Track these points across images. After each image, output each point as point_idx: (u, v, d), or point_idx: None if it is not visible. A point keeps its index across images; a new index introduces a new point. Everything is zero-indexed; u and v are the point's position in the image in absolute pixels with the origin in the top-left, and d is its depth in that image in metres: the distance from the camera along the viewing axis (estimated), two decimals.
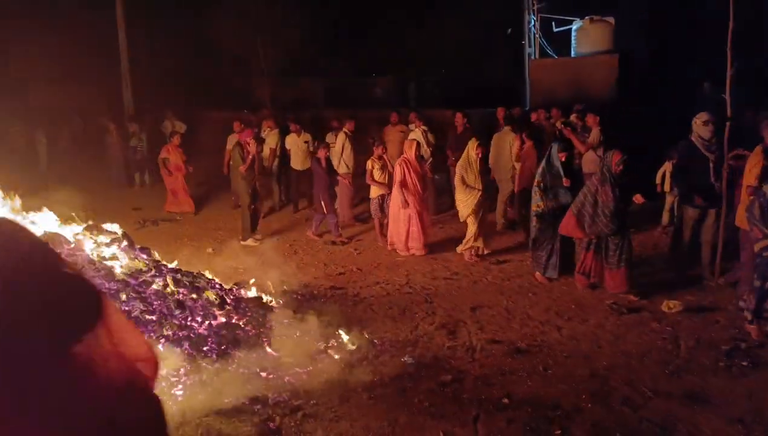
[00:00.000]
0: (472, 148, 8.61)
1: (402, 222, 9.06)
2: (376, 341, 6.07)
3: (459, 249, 8.88)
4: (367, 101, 20.38)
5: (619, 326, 6.31)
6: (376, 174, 9.75)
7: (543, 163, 7.82)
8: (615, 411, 4.67)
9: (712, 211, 7.24)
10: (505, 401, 4.87)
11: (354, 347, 5.84)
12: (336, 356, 5.70)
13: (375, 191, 9.85)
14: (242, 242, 9.90)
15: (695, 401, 4.76)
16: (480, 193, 8.54)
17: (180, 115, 16.28)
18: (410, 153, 9.17)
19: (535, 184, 7.78)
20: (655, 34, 19.17)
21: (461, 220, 8.85)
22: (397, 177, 8.99)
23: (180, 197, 12.31)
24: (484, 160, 8.87)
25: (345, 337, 5.99)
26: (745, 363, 5.36)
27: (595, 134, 8.88)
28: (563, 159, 7.77)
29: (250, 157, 10.05)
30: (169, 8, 18.35)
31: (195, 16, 17.86)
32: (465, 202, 8.59)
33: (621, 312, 6.63)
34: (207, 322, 5.64)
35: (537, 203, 7.73)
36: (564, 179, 7.70)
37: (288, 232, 10.75)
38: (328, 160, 10.26)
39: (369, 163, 9.79)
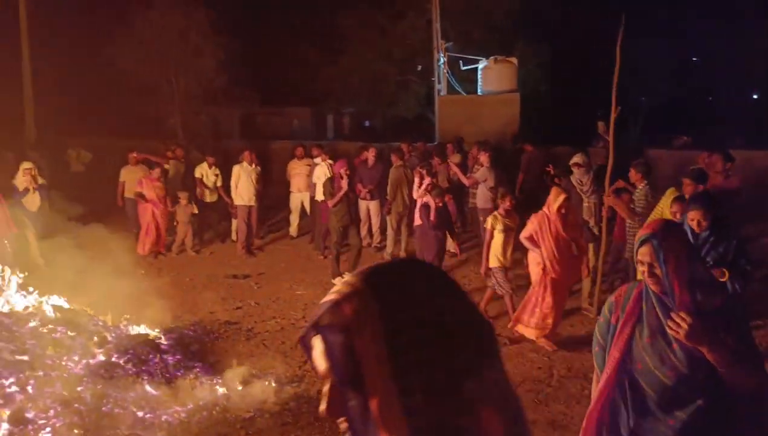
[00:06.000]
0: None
1: (538, 295, 6.65)
2: (262, 376, 6.10)
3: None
4: (283, 133, 20.53)
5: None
6: (498, 237, 7.01)
7: None
8: None
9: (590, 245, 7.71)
10: None
11: (238, 384, 5.84)
12: (220, 392, 5.70)
13: (495, 259, 7.11)
14: (333, 281, 8.93)
15: (557, 428, 5.05)
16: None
17: (86, 144, 15.83)
18: (553, 207, 6.44)
19: None
20: (559, 75, 20.33)
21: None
22: (526, 233, 6.65)
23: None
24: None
25: (230, 374, 5.98)
26: None
27: (483, 172, 9.27)
28: (700, 230, 4.35)
29: (342, 191, 8.94)
30: (75, 36, 17.96)
31: (104, 45, 17.55)
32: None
33: (503, 344, 6.92)
34: (84, 361, 5.53)
35: None
36: (717, 271, 4.33)
37: (190, 266, 10.59)
38: (433, 210, 7.91)
39: (489, 222, 7.12)
